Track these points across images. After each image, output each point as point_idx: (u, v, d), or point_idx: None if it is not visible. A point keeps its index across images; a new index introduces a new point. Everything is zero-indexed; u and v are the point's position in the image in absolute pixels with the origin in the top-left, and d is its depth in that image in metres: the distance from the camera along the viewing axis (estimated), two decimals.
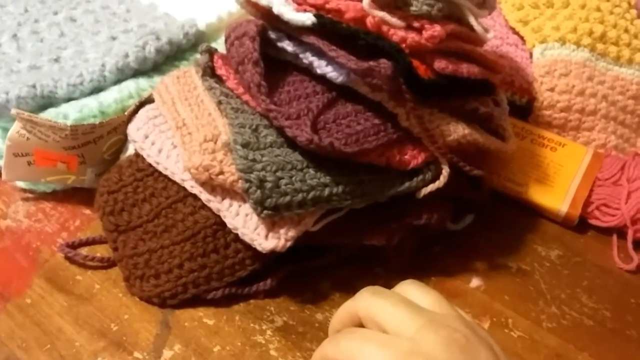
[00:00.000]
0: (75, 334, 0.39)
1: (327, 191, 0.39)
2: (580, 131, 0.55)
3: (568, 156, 0.52)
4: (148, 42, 0.52)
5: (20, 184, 0.49)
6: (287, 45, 0.43)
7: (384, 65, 0.38)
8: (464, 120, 0.43)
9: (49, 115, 0.46)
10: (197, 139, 0.41)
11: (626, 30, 0.59)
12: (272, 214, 0.38)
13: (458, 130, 0.41)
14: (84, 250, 0.44)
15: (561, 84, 0.54)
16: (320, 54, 0.41)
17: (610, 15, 0.59)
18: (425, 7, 0.39)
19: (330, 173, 0.39)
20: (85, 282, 0.42)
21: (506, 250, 0.48)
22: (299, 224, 0.40)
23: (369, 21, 0.39)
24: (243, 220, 0.40)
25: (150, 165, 0.44)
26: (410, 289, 0.33)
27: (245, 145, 0.39)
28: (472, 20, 0.42)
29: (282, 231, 0.39)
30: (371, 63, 0.38)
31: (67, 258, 0.44)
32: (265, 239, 0.39)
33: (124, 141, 0.48)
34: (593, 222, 0.50)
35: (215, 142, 0.40)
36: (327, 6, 0.41)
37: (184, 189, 0.42)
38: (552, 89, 0.54)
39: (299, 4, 0.42)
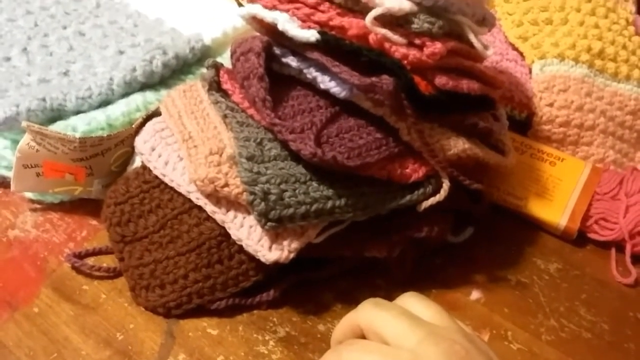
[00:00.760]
0: (81, 343, 0.40)
1: (329, 204, 0.40)
2: (579, 146, 0.55)
3: (567, 170, 0.53)
4: (155, 57, 0.53)
5: (29, 194, 0.49)
6: (292, 61, 0.44)
7: (386, 81, 0.39)
8: (464, 135, 0.43)
9: (58, 127, 0.47)
10: (203, 151, 0.42)
11: (624, 47, 0.59)
12: (276, 226, 0.39)
13: (458, 145, 0.42)
14: (90, 261, 0.45)
15: (560, 100, 0.55)
16: (323, 69, 0.42)
17: (609, 32, 0.60)
18: (426, 25, 0.40)
19: (333, 186, 0.40)
20: (92, 292, 0.43)
21: (506, 263, 0.48)
22: (301, 236, 0.40)
23: (372, 38, 0.40)
24: (247, 232, 0.40)
25: (156, 177, 0.45)
26: (411, 301, 0.34)
27: (250, 158, 0.40)
28: (472, 38, 0.43)
29: (285, 243, 0.40)
30: (373, 79, 0.39)
31: (74, 268, 0.44)
32: (268, 251, 0.40)
33: (130, 153, 0.49)
34: (592, 235, 0.51)
35: (221, 155, 0.41)
36: (331, 23, 0.42)
37: (190, 200, 0.43)
38: (551, 104, 0.55)
39: (304, 21, 0.43)
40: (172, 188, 0.44)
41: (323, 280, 0.45)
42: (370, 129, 0.42)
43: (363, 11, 0.40)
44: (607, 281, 0.47)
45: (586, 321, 0.44)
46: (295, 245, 0.40)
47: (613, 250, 0.50)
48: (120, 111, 0.50)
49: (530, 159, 0.54)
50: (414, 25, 0.40)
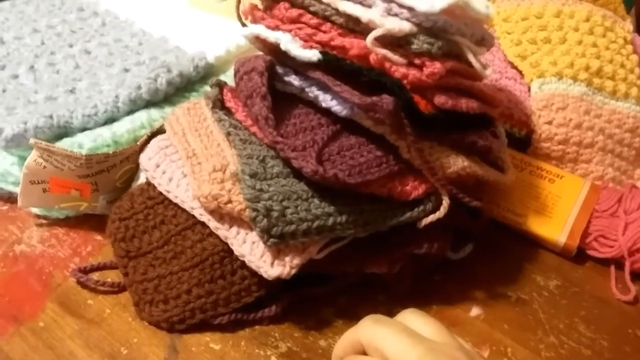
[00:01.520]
0: (86, 357, 0.40)
1: (331, 220, 0.40)
2: (578, 163, 0.56)
3: (566, 188, 0.53)
4: (160, 75, 0.54)
5: (35, 210, 0.50)
6: (294, 80, 0.45)
7: (386, 100, 0.40)
8: (463, 153, 0.44)
9: (65, 144, 0.48)
10: (207, 168, 0.42)
11: (622, 65, 0.60)
12: (278, 242, 0.39)
13: (457, 163, 0.43)
14: (95, 275, 0.45)
15: (559, 117, 0.55)
16: (325, 88, 0.43)
17: (607, 50, 0.60)
18: (425, 45, 0.41)
19: (334, 203, 0.41)
20: (96, 307, 0.44)
21: (505, 279, 0.49)
22: (303, 252, 0.41)
23: (372, 58, 0.41)
24: (250, 248, 0.41)
25: (160, 193, 0.46)
26: (412, 317, 0.34)
27: (252, 176, 0.41)
28: (470, 58, 0.43)
29: (287, 259, 0.41)
30: (374, 98, 0.40)
31: (79, 283, 0.45)
32: (271, 267, 0.40)
33: (135, 170, 0.49)
34: (591, 253, 0.51)
35: (224, 172, 0.42)
36: (332, 43, 0.43)
37: (193, 216, 0.44)
38: (550, 122, 0.56)
39: (305, 41, 0.44)
40: (176, 204, 0.45)
41: (324, 296, 0.45)
42: (371, 147, 0.43)
43: (364, 32, 0.41)
44: (606, 298, 0.48)
45: (586, 338, 0.45)
46: (297, 261, 0.41)
47: (612, 268, 0.50)
48: (125, 128, 0.51)
49: (529, 176, 0.54)
50: (414, 46, 0.41)
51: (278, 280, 0.41)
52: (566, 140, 0.55)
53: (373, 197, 0.42)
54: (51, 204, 0.48)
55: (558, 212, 0.52)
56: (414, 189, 0.43)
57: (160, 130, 0.49)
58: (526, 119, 0.57)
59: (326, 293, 0.45)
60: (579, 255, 0.51)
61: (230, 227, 0.42)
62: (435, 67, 0.40)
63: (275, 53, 0.46)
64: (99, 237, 0.49)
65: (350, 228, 0.41)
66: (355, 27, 0.42)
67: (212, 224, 0.42)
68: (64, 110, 0.50)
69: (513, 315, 0.46)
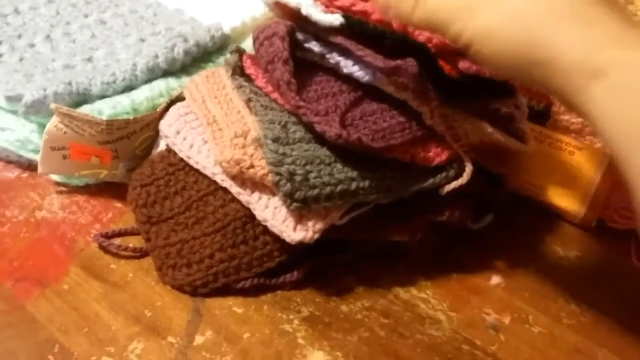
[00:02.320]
0: (111, 319, 0.41)
1: (354, 185, 0.40)
2: (597, 136, 0.56)
3: (586, 160, 0.53)
4: (177, 44, 0.53)
5: (55, 177, 0.50)
6: (314, 46, 0.44)
7: (410, 63, 0.39)
8: (486, 120, 0.44)
9: (84, 111, 0.48)
10: (228, 134, 0.42)
11: None
12: (301, 207, 0.39)
13: (481, 129, 0.42)
14: (117, 241, 0.45)
15: None
16: (346, 54, 0.43)
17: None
18: None
19: (357, 168, 0.40)
20: (120, 271, 0.44)
21: (525, 249, 0.49)
22: (326, 217, 0.41)
23: (395, 22, 0.41)
24: (272, 213, 0.41)
25: (181, 159, 0.46)
26: None
27: (275, 140, 0.40)
28: None
29: (310, 224, 0.40)
30: (398, 62, 0.39)
31: (101, 247, 0.45)
32: (293, 231, 0.40)
33: (154, 137, 0.49)
34: (611, 224, 0.51)
35: (245, 138, 0.42)
36: (354, 8, 0.42)
37: (215, 182, 0.43)
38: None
39: (327, 6, 0.43)
40: (197, 170, 0.45)
41: (345, 263, 0.45)
42: (394, 113, 0.42)
43: None
44: (626, 269, 0.48)
45: (606, 307, 0.44)
46: (319, 226, 0.41)
47: (633, 239, 0.50)
48: (144, 96, 0.50)
49: (549, 148, 0.54)
50: None
51: (300, 245, 0.41)
52: None
53: (395, 162, 0.42)
54: (71, 171, 0.48)
55: (578, 183, 0.52)
56: (436, 155, 0.42)
57: (179, 98, 0.49)
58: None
59: (347, 260, 0.45)
60: (599, 227, 0.50)
61: (252, 192, 0.42)
62: None
63: (295, 20, 0.45)
64: (119, 205, 0.49)
65: (372, 193, 0.41)
66: None
67: (234, 189, 0.42)
68: (83, 77, 0.49)
69: (533, 284, 0.46)
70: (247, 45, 0.53)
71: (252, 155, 0.41)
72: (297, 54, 0.45)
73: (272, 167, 0.39)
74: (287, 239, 0.40)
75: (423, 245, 0.45)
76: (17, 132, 0.50)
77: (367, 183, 0.40)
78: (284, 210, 0.41)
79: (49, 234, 0.46)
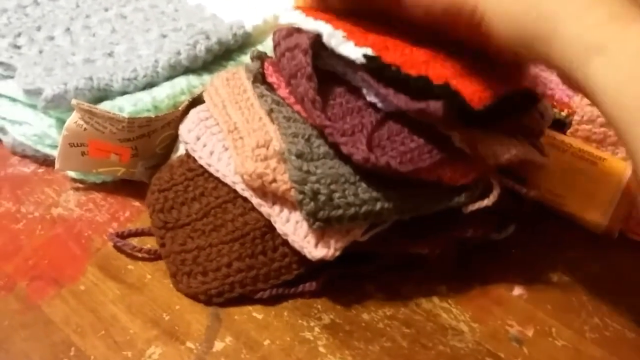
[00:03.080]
0: (129, 322, 0.40)
1: (378, 205, 0.39)
2: (619, 146, 0.55)
3: (608, 170, 0.52)
4: (199, 41, 0.53)
5: (71, 173, 0.49)
6: (337, 65, 0.43)
7: (435, 106, 0.37)
8: (513, 136, 0.43)
9: (105, 107, 0.47)
10: (249, 144, 0.41)
11: None
12: (324, 226, 0.38)
13: (511, 150, 0.41)
14: (134, 241, 0.45)
15: None
16: (369, 84, 0.41)
17: None
18: None
19: (381, 187, 0.39)
20: (137, 272, 0.43)
21: (547, 260, 0.48)
22: (347, 234, 0.40)
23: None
24: (293, 228, 0.40)
25: (201, 165, 0.45)
26: None
27: (299, 156, 0.39)
28: None
29: (332, 241, 0.39)
30: (421, 105, 0.37)
31: (116, 247, 0.44)
32: (314, 248, 0.39)
33: (175, 136, 0.48)
34: (633, 236, 0.50)
35: (267, 148, 0.40)
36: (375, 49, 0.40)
37: (235, 190, 0.43)
38: (592, 104, 0.54)
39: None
40: (217, 177, 0.44)
41: (364, 274, 0.44)
42: (421, 132, 0.40)
43: None
44: None
45: (630, 320, 0.44)
46: (341, 243, 0.39)
47: None
48: (165, 93, 0.49)
49: (571, 158, 0.53)
50: None
51: (321, 262, 0.40)
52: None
53: (421, 182, 0.40)
54: (89, 168, 0.47)
55: (600, 194, 0.51)
56: (463, 175, 0.41)
57: (200, 99, 0.48)
58: (567, 99, 0.56)
59: (366, 272, 0.44)
60: (622, 239, 0.50)
61: (273, 204, 0.41)
62: None
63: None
64: (137, 204, 0.48)
65: (397, 213, 0.40)
66: None
67: (255, 200, 0.41)
68: (104, 72, 0.49)
69: (556, 296, 0.45)
70: (268, 44, 0.52)
71: (274, 169, 0.39)
72: (318, 64, 0.44)
73: (295, 185, 0.38)
74: (308, 256, 0.39)
75: (444, 256, 0.45)
76: (34, 127, 0.50)
77: (392, 204, 0.39)
78: (305, 225, 0.39)
79: (65, 231, 0.46)
